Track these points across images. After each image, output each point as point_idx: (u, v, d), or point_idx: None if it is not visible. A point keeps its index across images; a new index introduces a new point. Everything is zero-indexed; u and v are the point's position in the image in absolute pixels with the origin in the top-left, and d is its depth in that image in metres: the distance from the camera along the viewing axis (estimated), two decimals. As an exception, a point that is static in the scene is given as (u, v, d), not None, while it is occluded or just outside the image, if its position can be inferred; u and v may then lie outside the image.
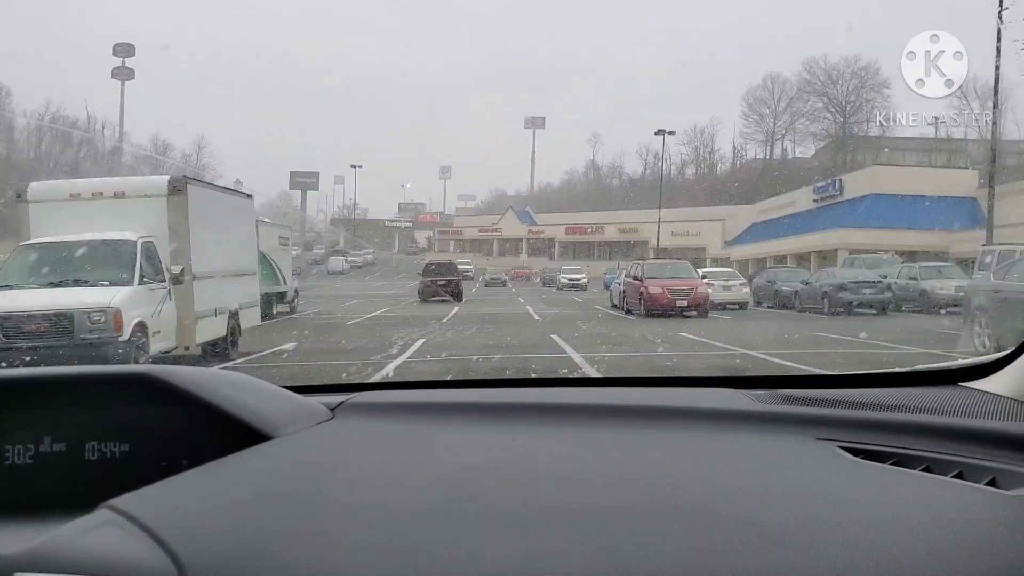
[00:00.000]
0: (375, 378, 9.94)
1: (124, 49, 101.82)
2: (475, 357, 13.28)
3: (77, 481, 1.32)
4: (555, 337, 16.28)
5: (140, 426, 1.35)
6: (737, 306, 27.94)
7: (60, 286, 11.43)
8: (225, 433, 1.32)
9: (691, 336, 16.65)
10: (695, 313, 23.39)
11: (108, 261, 11.79)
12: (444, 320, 22.77)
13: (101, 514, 1.06)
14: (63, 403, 1.38)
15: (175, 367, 1.46)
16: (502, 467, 1.23)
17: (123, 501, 1.08)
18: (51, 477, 1.34)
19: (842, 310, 24.08)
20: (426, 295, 35.61)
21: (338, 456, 1.29)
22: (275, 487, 1.16)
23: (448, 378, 1.94)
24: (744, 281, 30.86)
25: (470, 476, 1.18)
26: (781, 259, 53.07)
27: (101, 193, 12.93)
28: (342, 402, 1.59)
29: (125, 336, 10.82)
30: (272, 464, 1.25)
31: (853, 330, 17.53)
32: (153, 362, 11.59)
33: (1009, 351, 1.52)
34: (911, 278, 25.94)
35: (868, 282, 24.99)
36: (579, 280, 53.79)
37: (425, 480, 1.16)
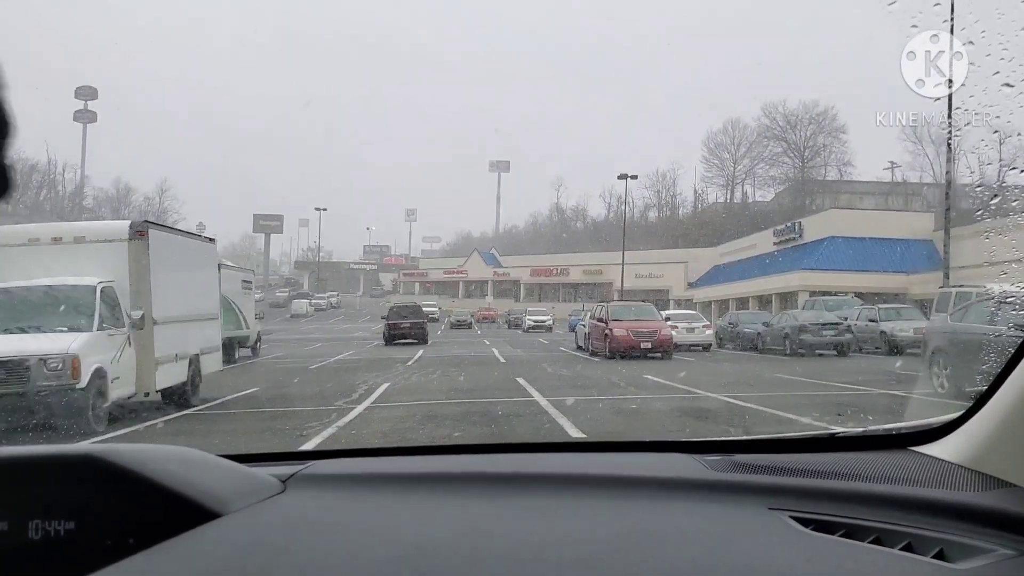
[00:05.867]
0: (329, 432, 9.82)
1: (86, 92, 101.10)
2: (439, 402, 13.22)
3: (20, 561, 1.29)
4: (520, 380, 16.27)
5: (85, 504, 1.32)
6: (700, 348, 28.15)
7: (17, 333, 11.21)
8: (172, 511, 1.29)
9: (655, 379, 16.70)
10: (659, 355, 23.52)
11: (67, 307, 11.58)
12: (409, 363, 22.66)
13: None
14: (6, 482, 1.35)
15: (118, 446, 1.43)
16: (455, 546, 1.23)
17: None
18: None
19: (803, 351, 24.37)
20: (391, 338, 35.49)
21: (286, 535, 1.26)
22: (222, 571, 1.14)
23: (404, 445, 1.90)
24: (707, 323, 31.18)
25: (422, 557, 1.17)
26: (743, 301, 53.66)
27: (60, 238, 12.73)
28: (293, 473, 1.57)
29: (83, 383, 10.60)
30: (218, 546, 1.23)
31: (814, 372, 17.74)
32: (112, 408, 11.41)
33: (957, 415, 1.54)
34: (871, 320, 26.33)
35: (828, 324, 25.33)
36: (544, 321, 54.11)
37: (375, 562, 1.15)
